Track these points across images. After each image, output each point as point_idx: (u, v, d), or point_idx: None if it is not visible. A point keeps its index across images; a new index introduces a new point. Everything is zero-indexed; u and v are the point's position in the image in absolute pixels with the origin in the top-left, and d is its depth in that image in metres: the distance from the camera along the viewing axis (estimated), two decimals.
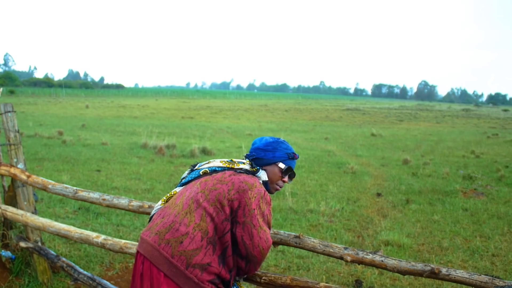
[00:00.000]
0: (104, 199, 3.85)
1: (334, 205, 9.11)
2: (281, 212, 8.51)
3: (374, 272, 5.79)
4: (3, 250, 5.11)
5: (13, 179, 4.86)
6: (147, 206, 3.54)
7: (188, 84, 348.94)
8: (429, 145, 21.65)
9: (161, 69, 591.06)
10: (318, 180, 11.75)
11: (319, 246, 2.89)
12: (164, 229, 2.62)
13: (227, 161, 2.88)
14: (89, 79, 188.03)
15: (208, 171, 2.85)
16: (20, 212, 4.44)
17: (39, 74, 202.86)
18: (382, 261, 2.67)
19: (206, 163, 2.94)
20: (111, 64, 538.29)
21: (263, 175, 2.84)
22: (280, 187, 2.94)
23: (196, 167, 2.96)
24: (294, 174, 2.98)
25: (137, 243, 2.81)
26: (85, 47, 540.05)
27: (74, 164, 12.65)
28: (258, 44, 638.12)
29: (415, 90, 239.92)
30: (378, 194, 10.27)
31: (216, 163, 2.90)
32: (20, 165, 4.91)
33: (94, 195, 3.94)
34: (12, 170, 4.59)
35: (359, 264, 2.77)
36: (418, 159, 16.26)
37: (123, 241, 3.75)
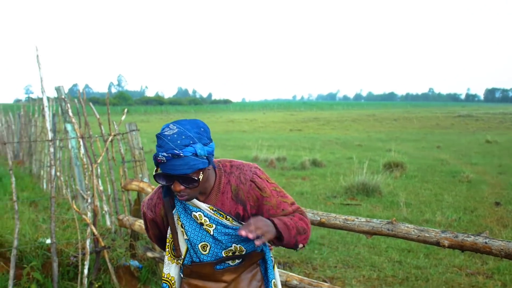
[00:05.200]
0: None
1: (450, 215, 8.83)
2: None
3: (496, 284, 5.57)
4: (131, 260, 5.47)
5: (139, 193, 5.19)
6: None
7: (294, 96, 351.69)
8: None
9: (267, 83, 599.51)
10: (432, 190, 11.43)
11: (414, 231, 2.61)
12: None
13: None
14: (197, 96, 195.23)
15: None
16: None
17: (150, 93, 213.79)
18: (486, 243, 2.32)
19: None
20: (218, 80, 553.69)
21: None
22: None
23: None
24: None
25: None
26: (193, 65, 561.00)
27: None
28: (364, 53, 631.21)
29: None
30: (497, 203, 9.83)
31: None
32: (146, 180, 5.24)
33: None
34: (141, 184, 4.90)
35: (461, 251, 2.41)
36: None
37: None
